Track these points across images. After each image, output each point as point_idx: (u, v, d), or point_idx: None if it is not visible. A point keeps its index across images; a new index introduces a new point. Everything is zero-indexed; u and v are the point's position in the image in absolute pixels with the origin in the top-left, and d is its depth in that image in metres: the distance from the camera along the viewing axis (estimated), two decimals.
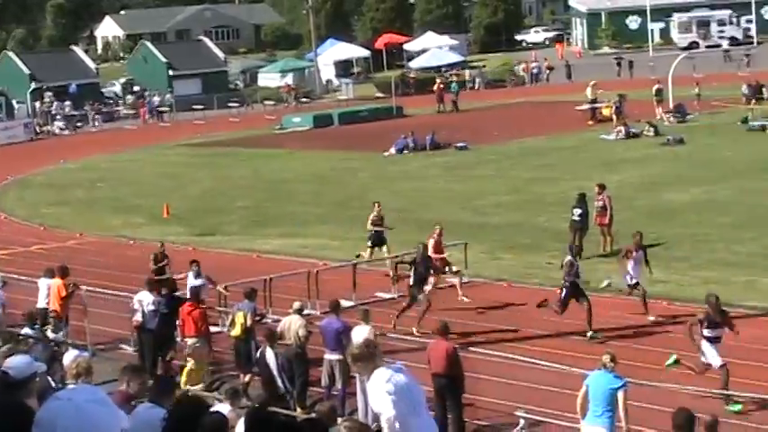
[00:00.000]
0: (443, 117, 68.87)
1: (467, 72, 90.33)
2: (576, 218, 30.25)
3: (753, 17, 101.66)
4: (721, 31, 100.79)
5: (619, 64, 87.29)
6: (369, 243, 30.16)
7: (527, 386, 20.28)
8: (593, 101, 61.27)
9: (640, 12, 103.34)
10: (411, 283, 24.75)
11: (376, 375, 10.24)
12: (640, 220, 34.37)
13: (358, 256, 29.80)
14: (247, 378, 20.62)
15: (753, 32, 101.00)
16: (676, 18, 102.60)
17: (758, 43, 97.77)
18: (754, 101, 57.62)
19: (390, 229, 30.45)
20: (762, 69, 73.21)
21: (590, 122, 59.61)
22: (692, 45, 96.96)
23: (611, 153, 49.05)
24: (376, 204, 30.79)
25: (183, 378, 20.69)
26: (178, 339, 22.30)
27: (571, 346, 22.49)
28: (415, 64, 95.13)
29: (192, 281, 24.20)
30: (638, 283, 24.62)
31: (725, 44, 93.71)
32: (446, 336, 18.48)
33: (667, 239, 31.58)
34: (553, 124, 60.02)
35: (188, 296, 22.41)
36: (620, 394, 15.35)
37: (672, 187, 39.63)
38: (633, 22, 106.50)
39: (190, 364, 21.32)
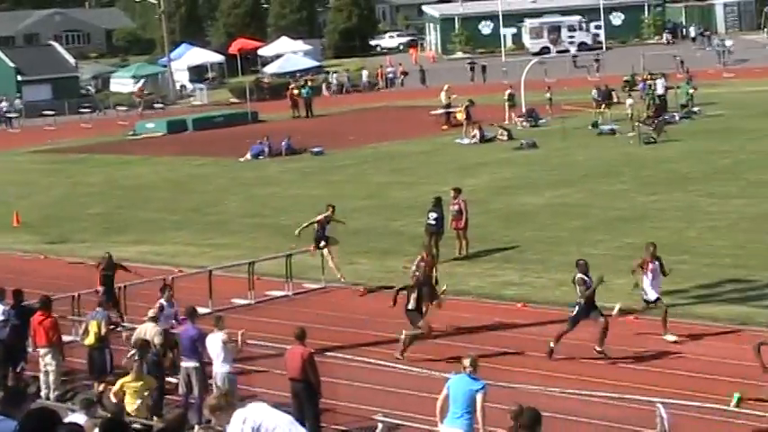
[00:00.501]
0: (299, 122, 68.76)
1: (335, 75, 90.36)
2: (432, 222, 30.40)
3: (602, 23, 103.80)
4: (571, 37, 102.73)
5: (472, 69, 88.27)
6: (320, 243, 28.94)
7: (385, 390, 20.30)
8: (448, 105, 61.80)
9: (493, 17, 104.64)
10: (411, 308, 22.72)
11: (233, 420, 10.28)
12: (495, 223, 34.83)
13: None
14: (101, 387, 20.25)
15: (602, 38, 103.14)
16: (528, 24, 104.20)
17: (607, 48, 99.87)
18: (604, 105, 58.73)
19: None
20: (611, 74, 74.79)
21: (444, 127, 60.12)
22: (544, 50, 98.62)
23: (465, 157, 49.54)
24: (330, 208, 29.66)
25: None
26: (30, 350, 21.77)
27: (428, 350, 22.58)
28: (270, 69, 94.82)
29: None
30: (658, 299, 22.89)
31: (573, 50, 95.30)
32: (303, 341, 18.43)
33: (521, 242, 32.01)
34: (408, 129, 60.39)
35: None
36: (479, 397, 15.44)
37: (525, 191, 40.18)
38: (486, 28, 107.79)
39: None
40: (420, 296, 22.63)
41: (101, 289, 24.64)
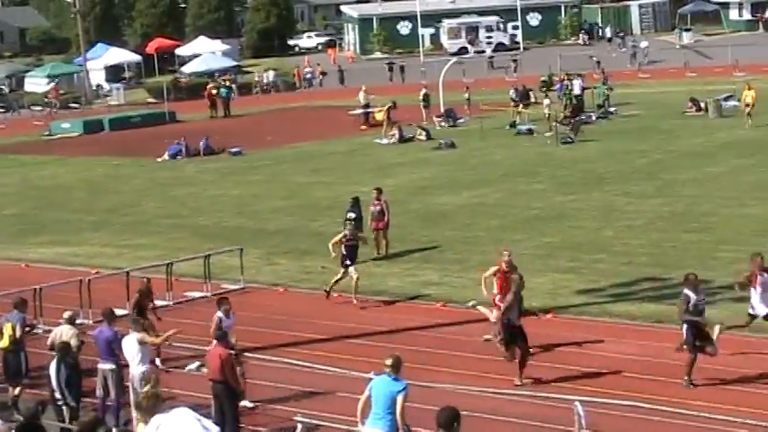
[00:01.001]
0: (217, 122, 68.35)
1: (269, 74, 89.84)
2: (351, 222, 30.38)
3: (519, 24, 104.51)
4: (489, 37, 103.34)
5: (391, 69, 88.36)
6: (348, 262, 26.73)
7: (305, 390, 20.25)
8: (366, 105, 61.86)
9: (411, 18, 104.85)
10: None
11: (149, 424, 10.22)
12: (414, 223, 34.89)
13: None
14: (17, 391, 19.95)
15: (519, 38, 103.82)
16: (446, 24, 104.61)
17: (525, 49, 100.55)
18: (521, 105, 59.16)
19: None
20: (529, 74, 75.32)
21: (363, 127, 60.14)
22: (462, 51, 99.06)
23: (385, 157, 49.60)
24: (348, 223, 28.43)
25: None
26: None
27: (349, 349, 22.56)
28: (188, 69, 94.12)
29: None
30: None
31: (488, 51, 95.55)
32: (223, 342, 18.35)
33: (441, 242, 32.10)
34: (327, 129, 60.31)
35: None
36: (400, 398, 15.40)
37: (444, 190, 40.31)
38: (404, 28, 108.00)
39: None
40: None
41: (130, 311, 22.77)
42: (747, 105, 50.74)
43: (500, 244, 30.81)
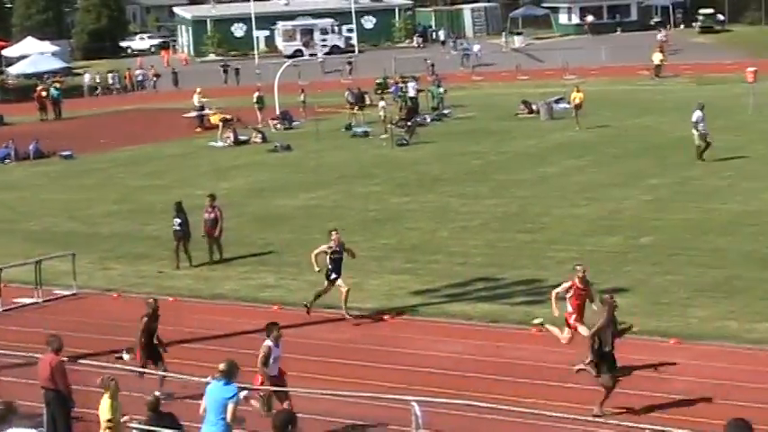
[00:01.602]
0: (47, 125, 66.91)
1: (110, 75, 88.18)
2: (177, 227, 29.99)
3: (354, 26, 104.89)
4: (324, 40, 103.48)
5: (225, 71, 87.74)
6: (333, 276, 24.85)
7: (141, 396, 19.85)
8: (201, 108, 61.30)
9: (245, 19, 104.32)
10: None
11: None
12: (251, 226, 34.66)
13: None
14: None
15: (354, 41, 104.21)
16: (281, 26, 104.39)
17: (359, 51, 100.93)
18: (357, 107, 59.36)
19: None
20: (364, 77, 75.64)
21: (198, 129, 59.58)
22: (297, 53, 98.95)
23: (220, 160, 49.20)
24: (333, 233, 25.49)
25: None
26: None
27: (186, 354, 22.23)
28: (15, 70, 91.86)
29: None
30: None
31: (320, 54, 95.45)
32: (54, 349, 17.92)
33: (277, 245, 31.95)
34: (161, 132, 59.57)
35: None
36: (230, 404, 15.21)
37: (280, 193, 40.16)
38: (239, 30, 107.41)
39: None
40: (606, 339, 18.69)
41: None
42: (577, 107, 51.84)
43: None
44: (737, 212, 32.60)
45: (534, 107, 58.20)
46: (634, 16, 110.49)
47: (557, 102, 58.80)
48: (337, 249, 24.72)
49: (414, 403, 16.32)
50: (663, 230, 30.90)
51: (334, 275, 24.63)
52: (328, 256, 24.74)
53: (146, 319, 20.39)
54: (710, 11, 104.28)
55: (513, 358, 21.02)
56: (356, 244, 31.11)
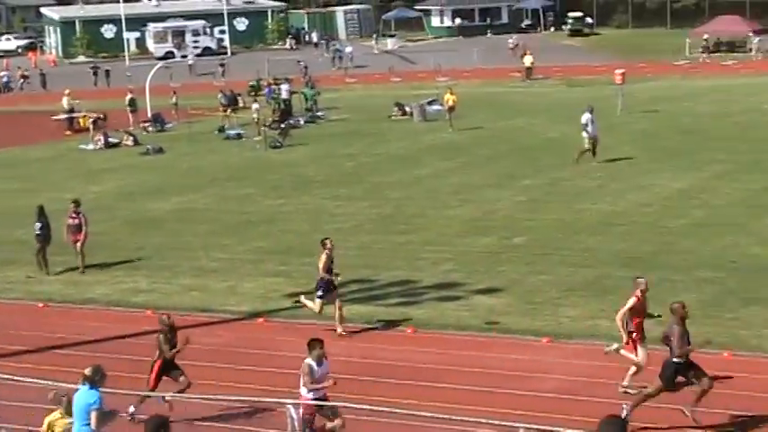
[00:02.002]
0: None
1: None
2: (38, 231, 29.41)
3: (226, 28, 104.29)
4: (196, 41, 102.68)
5: (95, 73, 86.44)
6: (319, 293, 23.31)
7: (7, 404, 19.43)
8: (71, 110, 60.33)
9: (115, 21, 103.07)
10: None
11: None
12: (122, 230, 34.19)
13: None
14: None
15: (226, 43, 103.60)
16: (152, 28, 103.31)
17: (232, 53, 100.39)
18: (230, 110, 59.00)
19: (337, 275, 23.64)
20: (237, 79, 75.23)
21: (68, 132, 58.62)
22: (168, 55, 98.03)
23: (91, 163, 48.46)
24: (327, 241, 23.52)
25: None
26: None
27: (57, 360, 21.81)
28: None
29: None
30: None
31: (190, 57, 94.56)
32: None
33: (149, 249, 31.54)
34: (30, 135, 58.46)
35: None
36: (92, 410, 14.89)
37: (153, 196, 39.68)
38: (108, 31, 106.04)
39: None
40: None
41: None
42: (450, 109, 52.22)
43: (210, 249, 30.64)
44: (607, 213, 33.15)
45: (407, 109, 58.47)
46: (505, 19, 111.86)
47: (430, 104, 59.17)
48: (332, 258, 23.31)
49: (289, 406, 16.25)
50: (535, 231, 31.27)
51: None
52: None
53: (161, 336, 18.65)
54: (579, 14, 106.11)
55: (389, 359, 21.04)
56: (230, 247, 31.02)
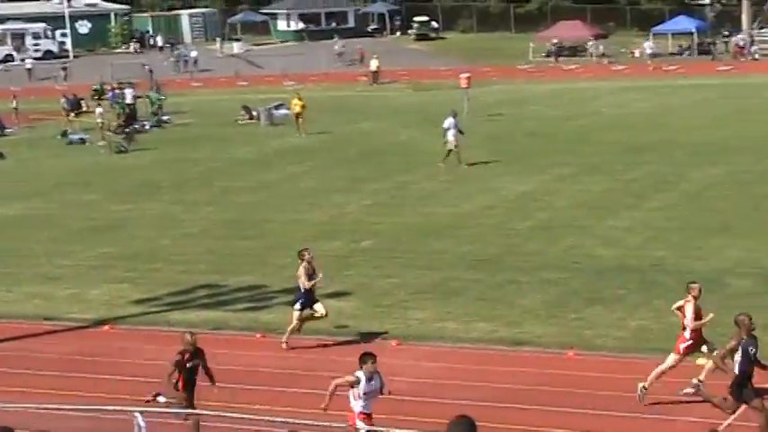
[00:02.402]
0: None
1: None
2: None
3: (68, 31, 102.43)
4: (36, 45, 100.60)
5: None
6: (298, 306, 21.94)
7: None
8: None
9: None
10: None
11: None
12: None
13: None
14: None
15: (68, 46, 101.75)
16: None
17: (74, 57, 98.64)
18: (73, 114, 57.96)
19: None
20: (80, 83, 73.94)
21: None
22: (8, 58, 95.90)
23: None
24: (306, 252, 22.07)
25: None
26: None
27: None
28: None
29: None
30: None
31: (28, 62, 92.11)
32: None
33: None
34: None
35: None
36: None
37: None
38: None
39: None
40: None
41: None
42: (297, 114, 52.14)
43: (54, 256, 30.02)
44: (453, 215, 33.48)
45: (254, 113, 58.24)
46: (351, 23, 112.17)
47: (277, 108, 59.04)
48: (312, 268, 22.02)
49: (137, 414, 16.00)
50: (383, 234, 31.42)
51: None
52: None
53: (183, 356, 17.24)
54: (425, 19, 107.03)
55: (239, 365, 20.89)
56: (75, 253, 30.45)
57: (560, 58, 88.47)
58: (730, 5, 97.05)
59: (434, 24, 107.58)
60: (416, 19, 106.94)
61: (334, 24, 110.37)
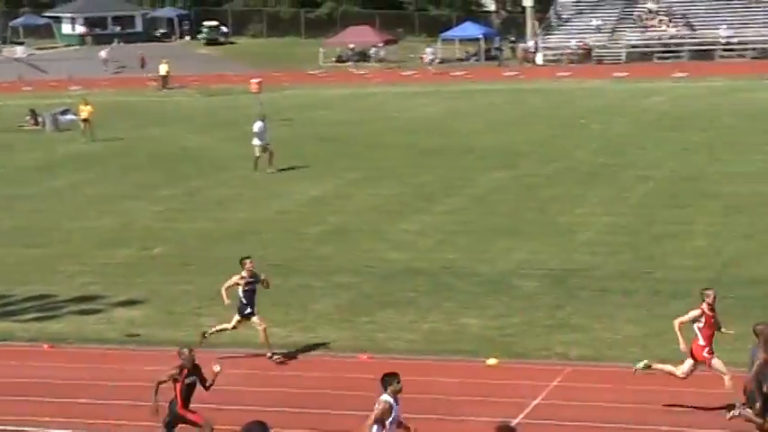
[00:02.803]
0: None
1: None
2: None
3: None
4: None
5: None
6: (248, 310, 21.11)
7: None
8: None
9: None
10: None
11: None
12: None
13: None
14: None
15: None
16: None
17: None
18: None
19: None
20: None
21: None
22: None
23: None
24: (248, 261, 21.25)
25: None
26: None
27: None
28: None
29: None
30: None
31: None
32: None
33: None
34: None
35: None
36: None
37: None
38: None
39: None
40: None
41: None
42: (85, 120, 51.06)
43: None
44: (246, 221, 33.35)
45: (40, 119, 56.83)
46: (139, 27, 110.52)
47: (63, 113, 57.71)
48: (251, 280, 21.10)
49: None
50: (175, 241, 31.07)
51: (248, 310, 21.10)
52: (241, 288, 21.14)
53: (180, 372, 16.40)
54: (215, 23, 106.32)
55: (25, 377, 20.32)
56: None
57: (351, 63, 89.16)
58: (516, 12, 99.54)
59: (224, 29, 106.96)
60: (206, 24, 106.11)
61: (119, 29, 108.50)
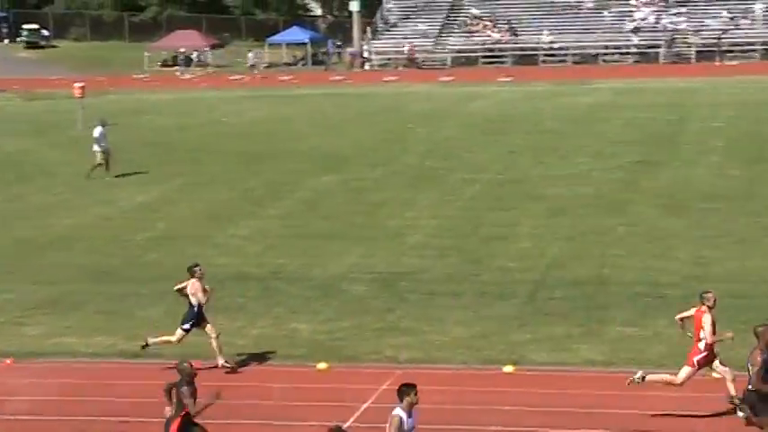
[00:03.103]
0: None
1: None
2: None
3: None
4: None
5: None
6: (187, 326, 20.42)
7: None
8: None
9: None
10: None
11: None
12: None
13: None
14: None
15: None
16: None
17: None
18: None
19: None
20: None
21: None
22: None
23: None
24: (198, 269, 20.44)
25: None
26: None
27: None
28: None
29: None
30: None
31: None
32: None
33: None
34: None
35: None
36: None
37: None
38: None
39: None
40: None
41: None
42: None
43: None
44: (70, 227, 32.70)
45: None
46: None
47: None
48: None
49: None
50: None
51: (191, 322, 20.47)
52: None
53: (184, 389, 15.53)
54: (35, 26, 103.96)
55: None
56: None
57: (177, 68, 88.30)
58: (342, 17, 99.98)
59: (45, 32, 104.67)
60: (26, 26, 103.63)
61: None
